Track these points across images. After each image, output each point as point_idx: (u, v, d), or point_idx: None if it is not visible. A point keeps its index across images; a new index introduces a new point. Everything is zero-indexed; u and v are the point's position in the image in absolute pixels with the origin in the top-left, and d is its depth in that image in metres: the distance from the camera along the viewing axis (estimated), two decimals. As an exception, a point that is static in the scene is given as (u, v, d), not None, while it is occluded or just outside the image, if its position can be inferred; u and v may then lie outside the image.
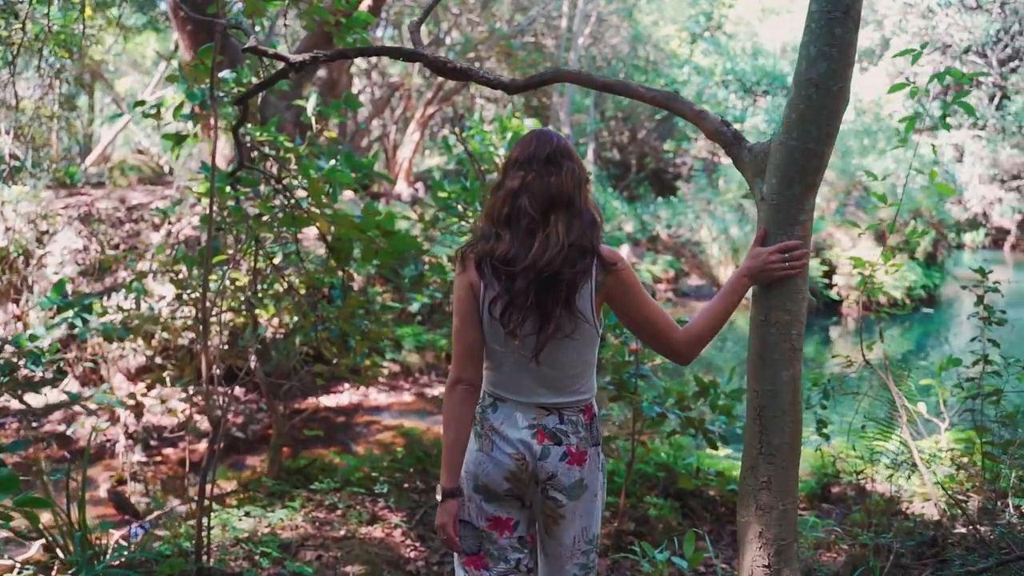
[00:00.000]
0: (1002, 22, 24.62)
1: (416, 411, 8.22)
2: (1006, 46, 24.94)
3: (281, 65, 3.05)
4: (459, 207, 5.25)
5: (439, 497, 2.26)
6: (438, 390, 9.01)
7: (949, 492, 4.09)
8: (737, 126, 20.13)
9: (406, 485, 5.08)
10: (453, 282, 2.47)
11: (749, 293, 2.42)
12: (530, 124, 5.89)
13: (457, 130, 4.75)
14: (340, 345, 5.06)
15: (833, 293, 15.12)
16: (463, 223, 5.34)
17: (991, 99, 25.71)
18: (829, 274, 15.23)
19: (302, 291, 4.99)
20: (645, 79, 21.91)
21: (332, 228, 4.30)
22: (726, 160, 20.63)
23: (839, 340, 14.43)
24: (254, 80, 4.51)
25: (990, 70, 25.54)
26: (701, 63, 21.02)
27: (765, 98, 19.91)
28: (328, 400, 8.15)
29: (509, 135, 5.74)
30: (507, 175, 2.27)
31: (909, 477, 4.51)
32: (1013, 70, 25.35)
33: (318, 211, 4.13)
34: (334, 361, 5.74)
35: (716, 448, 4.48)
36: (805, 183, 2.33)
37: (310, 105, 4.76)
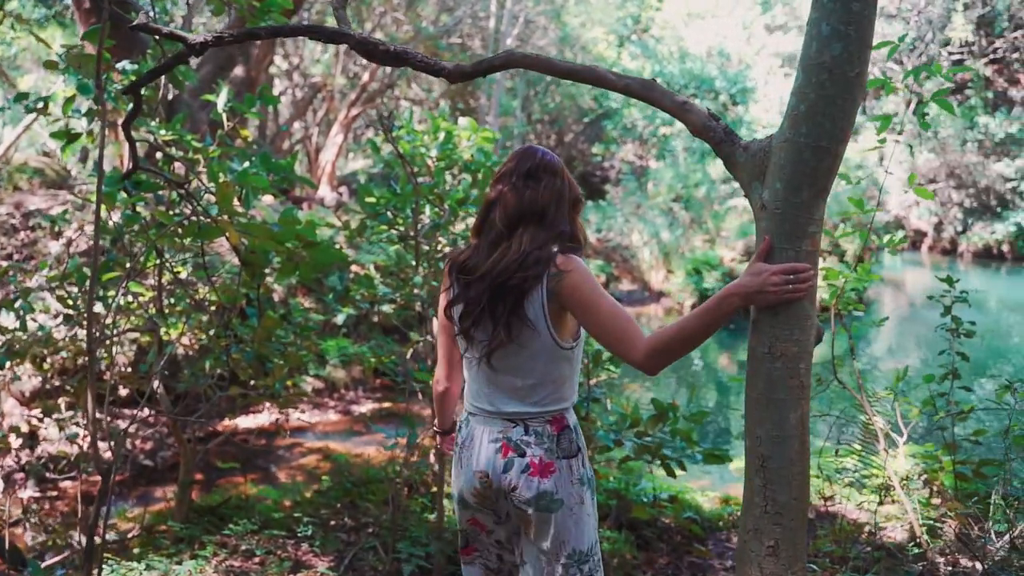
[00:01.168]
0: (917, 30, 25.18)
1: (342, 431, 7.67)
2: (921, 54, 25.53)
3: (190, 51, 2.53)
4: (388, 214, 4.77)
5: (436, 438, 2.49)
6: (366, 407, 8.48)
7: (931, 519, 3.80)
8: (665, 129, 20.16)
9: (333, 523, 4.57)
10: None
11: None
12: (465, 124, 5.44)
13: (384, 126, 4.26)
14: (256, 367, 4.52)
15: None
16: (393, 231, 4.87)
17: (907, 104, 26.29)
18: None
19: (214, 307, 4.44)
20: (571, 82, 21.72)
21: (245, 239, 3.77)
22: (655, 163, 20.54)
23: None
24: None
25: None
26: (629, 66, 20.85)
27: (693, 101, 19.79)
28: (245, 421, 7.54)
29: (442, 135, 5.28)
30: (491, 187, 2.31)
31: (881, 502, 4.21)
32: (928, 77, 25.93)
33: (228, 220, 3.60)
34: (251, 383, 5.19)
35: (674, 476, 4.11)
36: (816, 188, 1.94)
37: (221, 100, 4.22)
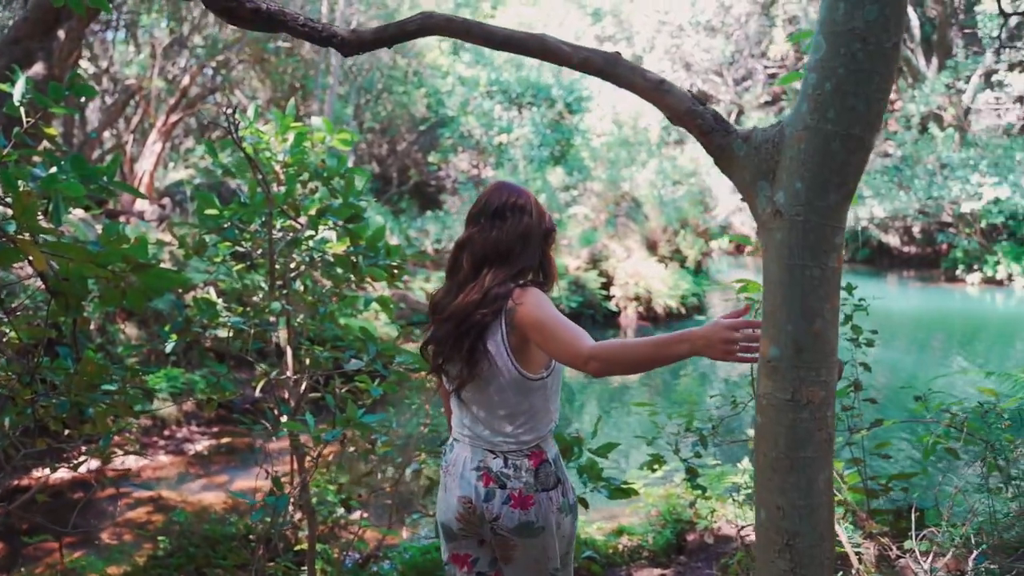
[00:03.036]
0: (736, 45, 26.36)
1: (176, 476, 6.75)
2: (740, 67, 26.76)
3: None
4: (234, 228, 4.06)
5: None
6: (201, 444, 7.56)
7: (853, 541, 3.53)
8: (503, 138, 19.92)
9: (175, 600, 3.81)
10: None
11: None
12: (319, 124, 4.78)
13: (230, 124, 3.58)
14: (72, 417, 3.69)
15: (612, 305, 15.06)
16: (239, 247, 4.16)
17: (729, 115, 27.49)
18: (607, 285, 15.16)
19: (12, 348, 3.58)
20: (404, 90, 21.12)
21: (55, 262, 2.99)
22: (489, 172, 20.22)
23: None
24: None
25: (726, 89, 27.32)
26: (464, 73, 20.48)
27: (529, 109, 19.71)
28: (60, 471, 6.47)
29: (291, 137, 4.61)
30: (465, 229, 2.36)
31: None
32: (746, 89, 27.26)
33: (31, 239, 2.82)
34: (65, 433, 4.30)
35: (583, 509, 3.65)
36: (845, 188, 1.53)
37: (17, 90, 3.39)
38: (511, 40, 1.74)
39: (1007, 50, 18.87)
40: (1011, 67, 19.11)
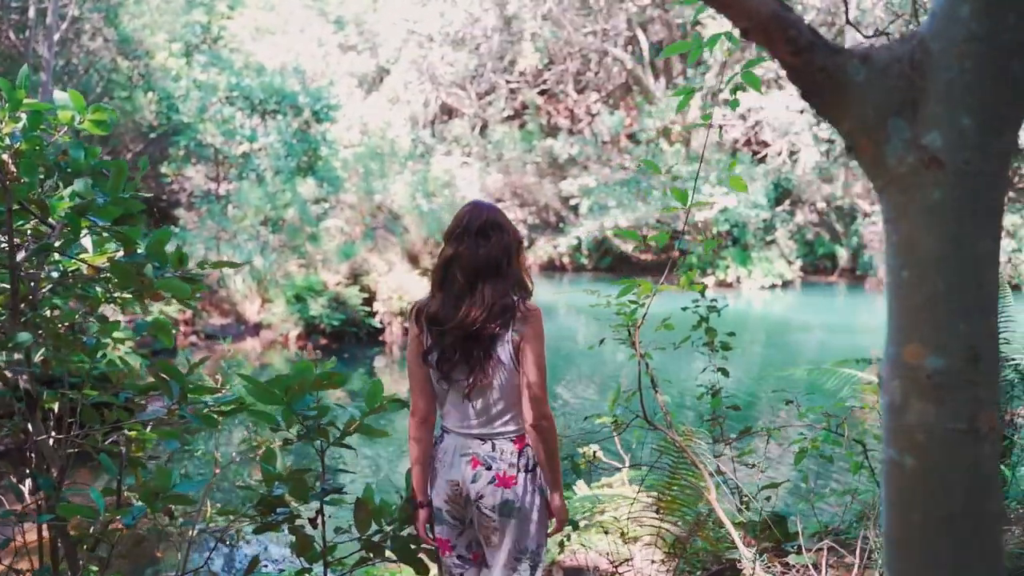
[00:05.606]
0: (479, 59, 26.68)
1: None
2: (484, 81, 27.11)
3: None
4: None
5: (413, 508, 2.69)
6: None
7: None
8: (248, 147, 18.55)
9: None
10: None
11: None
12: (64, 98, 3.75)
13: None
14: None
15: (375, 321, 14.37)
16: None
17: (473, 128, 27.76)
18: (369, 301, 14.45)
19: None
20: (127, 95, 19.05)
21: None
22: (232, 185, 18.68)
23: (385, 370, 13.72)
24: None
25: (469, 102, 27.57)
26: (200, 77, 18.83)
27: (274, 117, 18.49)
28: None
29: (24, 117, 3.56)
30: (446, 244, 2.61)
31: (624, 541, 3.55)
32: (489, 103, 27.68)
33: None
34: None
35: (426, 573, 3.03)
36: (1018, 126, 1.08)
37: None
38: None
39: (728, 70, 20.52)
40: (734, 89, 20.86)
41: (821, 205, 24.01)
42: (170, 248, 2.95)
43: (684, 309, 3.90)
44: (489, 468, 2.52)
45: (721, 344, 3.84)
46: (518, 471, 2.52)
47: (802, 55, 1.15)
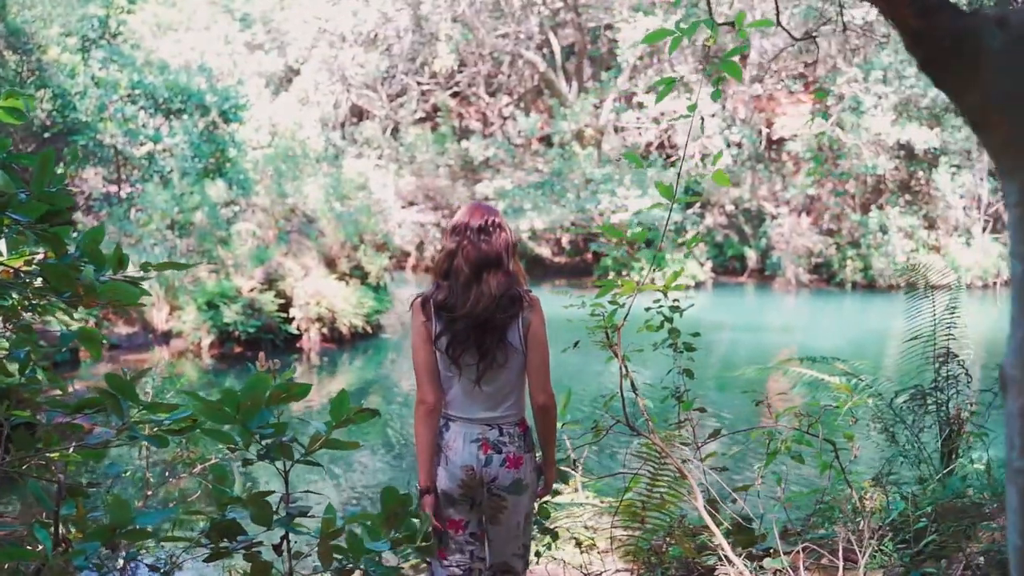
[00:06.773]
0: (390, 60, 26.30)
1: None
2: (396, 83, 26.75)
3: None
4: None
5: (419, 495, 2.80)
6: None
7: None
8: (152, 147, 17.75)
9: None
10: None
11: None
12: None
13: None
14: None
15: (292, 327, 13.93)
16: None
17: (385, 130, 27.36)
18: (285, 307, 14.00)
19: None
20: (11, 87, 17.97)
21: None
22: (132, 188, 17.83)
23: (304, 376, 13.29)
24: None
25: (381, 104, 27.17)
26: (98, 74, 17.91)
27: (180, 117, 17.75)
28: None
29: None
30: (449, 238, 2.84)
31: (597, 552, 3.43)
32: (401, 105, 27.34)
33: None
34: None
35: None
36: None
37: None
38: None
39: (641, 74, 20.79)
40: (647, 90, 21.13)
41: (730, 208, 24.55)
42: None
43: (647, 309, 3.80)
44: (500, 452, 2.75)
45: (685, 345, 3.75)
46: (524, 452, 2.79)
47: (929, 17, 1.02)
